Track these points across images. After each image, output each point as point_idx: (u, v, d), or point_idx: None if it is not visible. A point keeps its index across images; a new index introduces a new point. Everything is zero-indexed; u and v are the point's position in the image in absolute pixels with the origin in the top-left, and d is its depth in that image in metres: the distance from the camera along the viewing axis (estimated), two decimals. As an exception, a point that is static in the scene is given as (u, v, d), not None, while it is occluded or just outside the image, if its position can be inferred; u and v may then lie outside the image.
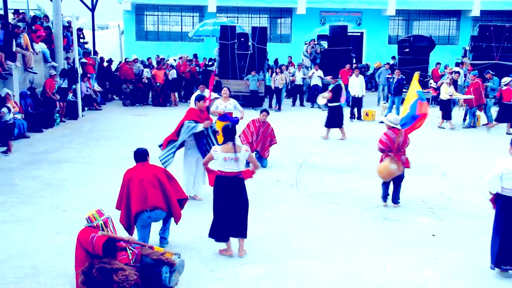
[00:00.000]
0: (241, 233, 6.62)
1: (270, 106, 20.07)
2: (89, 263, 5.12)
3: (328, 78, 20.96)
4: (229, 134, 6.55)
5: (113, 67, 22.79)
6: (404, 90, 19.10)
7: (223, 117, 11.16)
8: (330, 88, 14.53)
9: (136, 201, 6.38)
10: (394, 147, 8.37)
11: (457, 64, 23.80)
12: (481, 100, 16.10)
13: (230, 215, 6.50)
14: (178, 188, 6.84)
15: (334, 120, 14.23)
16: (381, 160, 8.50)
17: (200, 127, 8.44)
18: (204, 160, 6.92)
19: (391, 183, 8.66)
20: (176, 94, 21.12)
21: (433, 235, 7.48)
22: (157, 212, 6.50)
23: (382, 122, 9.19)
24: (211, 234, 6.67)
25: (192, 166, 8.78)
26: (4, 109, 12.21)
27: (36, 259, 6.41)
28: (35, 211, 8.17)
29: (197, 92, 11.19)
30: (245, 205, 6.64)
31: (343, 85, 14.58)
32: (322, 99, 14.72)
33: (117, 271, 5.02)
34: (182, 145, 8.73)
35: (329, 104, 14.28)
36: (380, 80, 21.72)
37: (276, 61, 24.97)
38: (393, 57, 23.36)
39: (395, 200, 8.71)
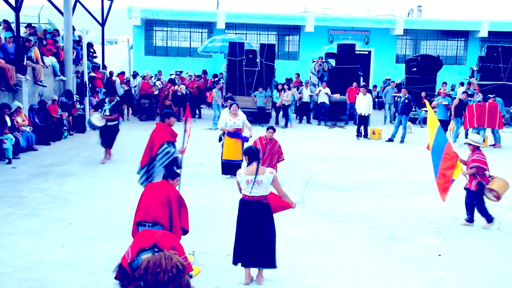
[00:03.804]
0: (268, 263, 6.26)
1: (277, 123, 20.12)
2: (177, 263, 4.47)
3: (336, 95, 21.16)
4: (253, 156, 6.30)
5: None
6: (413, 110, 19.17)
7: (233, 134, 11.21)
8: (108, 107, 12.90)
9: (140, 210, 6.34)
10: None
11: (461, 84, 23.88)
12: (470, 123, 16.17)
13: (253, 242, 6.19)
14: (186, 217, 6.56)
15: (108, 138, 12.96)
16: (487, 182, 8.59)
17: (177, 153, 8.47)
18: (238, 187, 6.50)
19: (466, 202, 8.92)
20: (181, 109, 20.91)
21: (440, 255, 7.43)
22: (159, 229, 6.42)
23: (467, 143, 9.01)
24: (235, 260, 6.35)
25: None
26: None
27: (42, 272, 6.40)
28: (41, 223, 8.18)
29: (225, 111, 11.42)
30: (270, 232, 6.27)
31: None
32: (101, 120, 12.81)
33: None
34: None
35: (109, 123, 12.83)
36: (386, 99, 21.79)
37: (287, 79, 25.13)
38: (388, 78, 24.23)
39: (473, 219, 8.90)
